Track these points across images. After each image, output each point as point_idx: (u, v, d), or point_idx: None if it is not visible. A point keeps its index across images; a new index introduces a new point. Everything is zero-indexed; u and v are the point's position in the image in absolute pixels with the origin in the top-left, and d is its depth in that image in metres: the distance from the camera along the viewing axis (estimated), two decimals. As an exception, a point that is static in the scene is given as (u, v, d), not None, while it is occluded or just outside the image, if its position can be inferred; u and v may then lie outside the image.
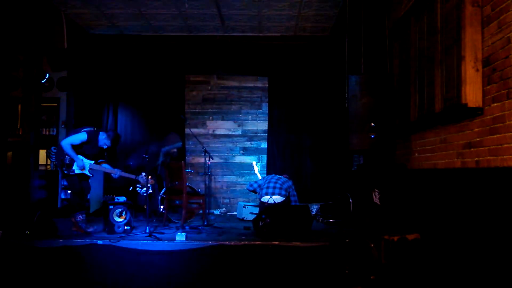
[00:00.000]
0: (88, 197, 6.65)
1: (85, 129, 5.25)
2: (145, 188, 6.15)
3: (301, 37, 7.73)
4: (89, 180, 5.49)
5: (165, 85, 8.05)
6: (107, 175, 7.47)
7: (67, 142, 5.07)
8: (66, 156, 5.10)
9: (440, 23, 3.89)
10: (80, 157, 5.14)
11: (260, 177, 6.94)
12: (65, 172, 5.15)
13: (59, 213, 5.53)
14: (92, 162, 5.25)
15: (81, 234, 4.94)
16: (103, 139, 5.31)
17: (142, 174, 5.43)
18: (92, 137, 5.23)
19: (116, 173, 5.36)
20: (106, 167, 5.39)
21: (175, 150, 6.74)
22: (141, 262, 4.24)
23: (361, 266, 3.82)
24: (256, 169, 7.49)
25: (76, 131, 5.28)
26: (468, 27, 3.37)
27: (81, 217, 5.14)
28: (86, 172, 5.22)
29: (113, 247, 4.35)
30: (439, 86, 3.85)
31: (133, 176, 5.44)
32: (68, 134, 5.60)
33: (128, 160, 7.04)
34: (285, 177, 6.45)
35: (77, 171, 5.16)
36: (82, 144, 5.13)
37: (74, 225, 5.07)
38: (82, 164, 5.13)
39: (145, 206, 6.41)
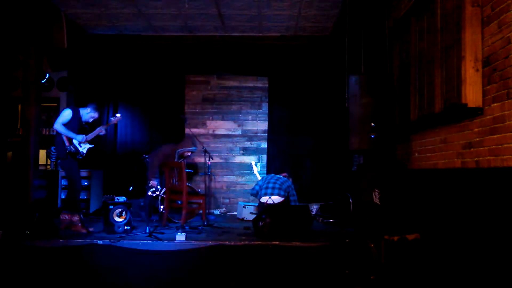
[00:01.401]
0: (86, 197, 6.69)
1: (65, 108, 5.53)
2: (153, 189, 6.23)
3: (301, 37, 7.73)
4: (89, 181, 5.59)
5: (165, 85, 8.05)
6: (106, 177, 7.56)
7: (59, 123, 5.30)
8: (70, 146, 5.21)
9: (440, 23, 3.89)
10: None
11: (259, 178, 6.94)
12: (80, 158, 5.32)
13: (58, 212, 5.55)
14: (83, 135, 5.46)
15: (80, 234, 4.94)
16: (88, 113, 5.55)
17: (115, 116, 5.95)
18: (75, 113, 5.45)
19: (102, 130, 5.64)
20: (93, 132, 5.59)
21: (189, 153, 6.79)
22: (141, 262, 4.25)
23: (361, 266, 3.82)
24: (256, 169, 7.48)
25: (60, 113, 5.48)
26: (468, 27, 3.37)
27: (81, 216, 5.15)
28: (88, 145, 5.44)
29: (113, 247, 4.35)
30: (439, 86, 3.85)
31: (112, 120, 5.93)
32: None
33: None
34: (285, 177, 6.42)
35: (84, 150, 5.31)
36: (71, 120, 5.31)
37: (72, 225, 5.07)
38: (82, 136, 5.33)
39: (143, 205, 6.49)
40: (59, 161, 5.40)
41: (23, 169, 5.88)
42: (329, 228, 5.67)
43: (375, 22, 5.43)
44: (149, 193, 6.32)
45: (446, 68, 3.73)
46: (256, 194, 6.47)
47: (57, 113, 7.39)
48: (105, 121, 7.90)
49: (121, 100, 8.08)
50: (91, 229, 5.14)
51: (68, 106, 5.59)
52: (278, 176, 6.38)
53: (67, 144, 5.25)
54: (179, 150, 6.59)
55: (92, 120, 5.65)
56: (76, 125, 5.41)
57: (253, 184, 6.79)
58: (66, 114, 5.31)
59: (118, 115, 5.99)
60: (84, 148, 5.36)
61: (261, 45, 7.80)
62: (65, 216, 5.13)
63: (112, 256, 4.28)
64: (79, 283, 4.14)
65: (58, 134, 5.30)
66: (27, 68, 6.09)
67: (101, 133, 5.65)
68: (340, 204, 6.06)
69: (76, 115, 5.41)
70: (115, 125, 7.95)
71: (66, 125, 5.29)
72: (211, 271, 4.21)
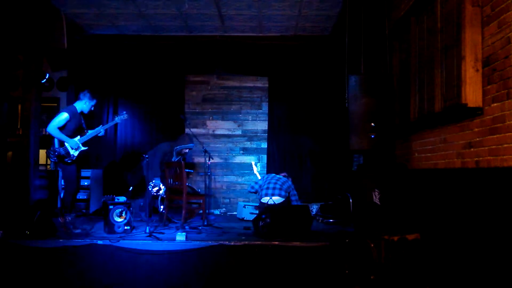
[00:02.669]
0: (86, 197, 6.67)
1: (63, 110, 5.42)
2: (156, 188, 6.22)
3: (301, 37, 7.72)
4: (89, 181, 5.57)
5: (165, 85, 8.06)
6: (106, 177, 7.55)
7: (54, 126, 5.18)
8: (61, 149, 5.17)
9: (440, 23, 3.89)
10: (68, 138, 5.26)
11: (259, 177, 6.93)
12: (68, 161, 5.23)
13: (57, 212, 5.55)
14: (79, 137, 5.38)
15: (69, 234, 4.91)
16: (85, 103, 5.48)
17: (122, 114, 5.76)
18: (73, 112, 5.37)
19: (101, 131, 5.58)
20: (91, 132, 5.51)
21: (186, 150, 6.78)
22: (141, 262, 4.25)
23: (361, 266, 3.82)
24: (255, 169, 7.47)
25: (56, 115, 5.37)
26: (468, 27, 3.37)
27: (69, 217, 5.13)
28: (82, 148, 5.31)
29: (113, 247, 4.35)
30: (439, 86, 3.85)
31: (116, 119, 5.77)
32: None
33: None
34: (285, 177, 6.42)
35: (76, 153, 5.24)
36: (67, 122, 5.23)
37: (62, 225, 5.05)
38: (75, 142, 5.22)
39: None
40: (54, 158, 5.36)
41: (23, 169, 5.87)
42: (329, 228, 5.66)
43: (375, 22, 5.43)
44: (153, 191, 6.32)
45: (446, 68, 3.73)
46: (255, 192, 6.47)
47: (57, 113, 7.41)
48: (105, 120, 7.91)
49: (121, 100, 8.09)
50: (78, 230, 5.07)
51: (65, 108, 5.48)
52: (278, 176, 6.40)
53: (56, 146, 5.21)
54: (177, 147, 6.60)
55: (93, 108, 5.61)
56: (74, 126, 5.35)
57: (252, 183, 6.78)
58: (62, 118, 5.21)
59: (124, 113, 5.80)
60: (76, 151, 5.28)
61: (261, 45, 7.80)
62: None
63: (112, 256, 4.28)
64: (79, 283, 4.14)
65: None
66: (27, 68, 6.08)
67: (99, 134, 5.57)
68: (340, 204, 6.06)
69: (74, 116, 5.34)
70: (115, 125, 7.95)
71: (62, 127, 5.23)
72: (211, 271, 4.21)
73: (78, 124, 5.43)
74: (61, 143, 5.23)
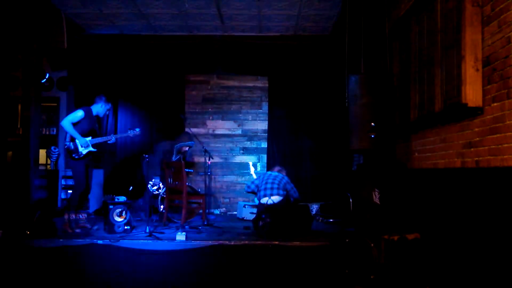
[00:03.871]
0: (88, 196, 6.66)
1: (79, 108, 5.52)
2: (156, 187, 6.22)
3: (301, 37, 7.72)
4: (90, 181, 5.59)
5: (165, 85, 8.05)
6: (108, 178, 7.56)
7: (68, 121, 5.35)
8: (70, 143, 5.25)
9: (440, 23, 3.89)
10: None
11: (255, 177, 6.90)
12: (75, 157, 5.30)
13: (58, 212, 5.56)
14: (90, 137, 5.45)
15: (70, 233, 4.92)
16: (101, 107, 5.59)
17: (135, 130, 5.80)
18: (88, 113, 5.47)
19: (111, 138, 5.64)
20: (102, 137, 5.59)
21: (186, 148, 6.78)
22: (141, 262, 4.24)
23: (361, 266, 3.82)
24: (252, 170, 7.45)
25: (72, 112, 5.52)
26: (468, 27, 3.37)
27: (73, 216, 5.14)
28: (91, 148, 5.37)
29: (113, 247, 4.35)
30: (439, 86, 3.85)
31: (128, 132, 5.78)
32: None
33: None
34: (279, 172, 6.30)
35: (84, 151, 5.30)
36: (81, 120, 5.35)
37: (65, 224, 5.05)
38: (85, 141, 5.31)
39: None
40: (54, 156, 5.41)
41: (23, 169, 5.88)
42: (329, 228, 5.66)
43: (375, 22, 5.43)
44: (154, 189, 6.31)
45: (446, 68, 3.73)
46: (252, 192, 6.43)
47: (57, 113, 7.43)
48: (104, 121, 7.90)
49: (121, 100, 8.07)
50: (77, 230, 5.08)
51: (82, 107, 5.59)
52: (274, 174, 6.26)
53: (67, 140, 5.32)
54: (177, 145, 6.59)
55: (108, 113, 5.71)
56: (87, 126, 5.42)
57: (249, 182, 6.75)
58: (78, 115, 5.35)
59: (138, 130, 5.86)
60: (84, 149, 5.36)
61: (261, 44, 7.79)
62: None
63: (112, 256, 4.28)
64: (79, 283, 4.14)
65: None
66: (27, 68, 6.08)
67: (110, 141, 5.64)
68: (340, 204, 6.05)
69: (89, 116, 5.43)
70: (115, 125, 7.96)
71: (75, 124, 5.34)
72: (211, 271, 4.21)
73: (92, 126, 5.51)
74: (72, 138, 5.33)
